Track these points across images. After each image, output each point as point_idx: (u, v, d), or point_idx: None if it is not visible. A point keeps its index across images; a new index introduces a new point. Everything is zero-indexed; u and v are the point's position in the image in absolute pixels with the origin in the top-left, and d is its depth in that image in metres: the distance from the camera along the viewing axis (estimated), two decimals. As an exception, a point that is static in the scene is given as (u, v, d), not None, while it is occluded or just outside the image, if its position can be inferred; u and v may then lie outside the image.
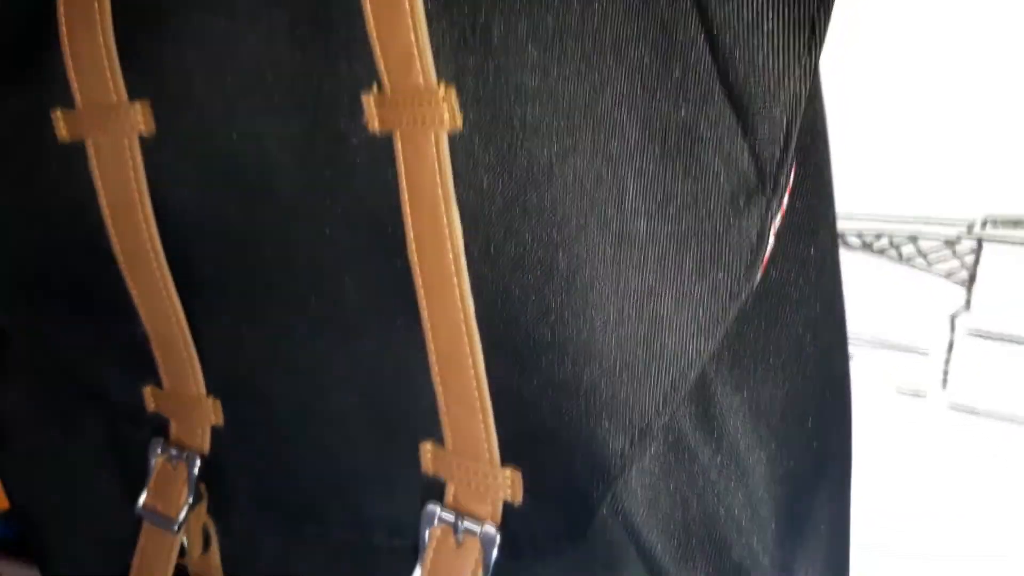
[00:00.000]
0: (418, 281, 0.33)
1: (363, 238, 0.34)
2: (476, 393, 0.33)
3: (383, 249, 0.33)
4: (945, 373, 0.40)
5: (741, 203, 0.25)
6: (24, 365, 0.50)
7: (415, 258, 0.32)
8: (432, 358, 0.34)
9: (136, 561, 0.44)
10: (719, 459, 0.29)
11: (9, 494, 0.54)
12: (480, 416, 0.34)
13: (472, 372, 0.33)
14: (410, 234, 0.32)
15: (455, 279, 0.31)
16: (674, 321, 0.26)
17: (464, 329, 0.32)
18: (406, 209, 0.31)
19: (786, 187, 0.25)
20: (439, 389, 0.34)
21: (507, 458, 0.34)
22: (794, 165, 0.25)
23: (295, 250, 0.36)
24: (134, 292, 0.41)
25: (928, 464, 0.42)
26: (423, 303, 0.33)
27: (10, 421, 0.51)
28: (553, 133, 0.27)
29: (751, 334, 0.29)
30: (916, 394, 0.41)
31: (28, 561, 0.76)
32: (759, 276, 0.25)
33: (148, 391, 0.44)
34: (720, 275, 0.25)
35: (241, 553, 0.45)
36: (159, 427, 0.45)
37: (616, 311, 0.27)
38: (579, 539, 0.32)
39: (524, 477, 0.33)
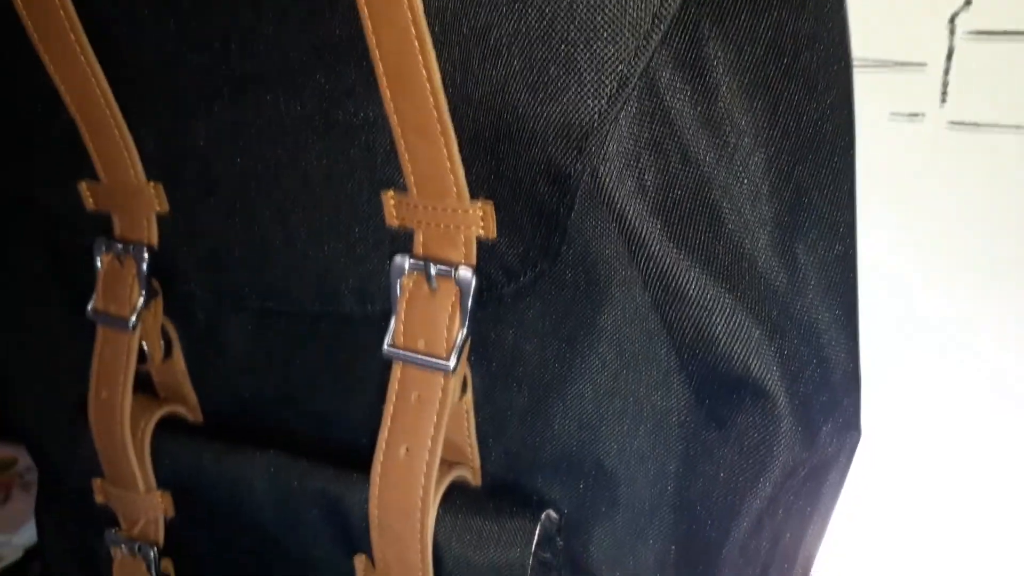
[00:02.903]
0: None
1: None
2: (434, 113, 0.30)
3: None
4: (944, 85, 0.37)
5: None
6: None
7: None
8: (382, 83, 0.30)
9: (95, 366, 0.41)
10: (711, 121, 0.26)
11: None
12: (442, 142, 0.30)
13: (428, 88, 0.29)
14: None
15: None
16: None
17: (414, 32, 0.28)
18: None
19: None
20: (393, 119, 0.31)
21: (476, 191, 0.31)
22: None
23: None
24: (52, 69, 0.37)
25: (929, 190, 0.39)
26: (364, 11, 0.29)
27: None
28: None
29: None
30: (913, 115, 0.38)
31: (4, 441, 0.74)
32: None
33: (84, 186, 0.40)
34: None
35: (205, 351, 0.42)
36: (102, 230, 0.41)
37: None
38: (558, 250, 0.29)
39: (496, 204, 0.30)
